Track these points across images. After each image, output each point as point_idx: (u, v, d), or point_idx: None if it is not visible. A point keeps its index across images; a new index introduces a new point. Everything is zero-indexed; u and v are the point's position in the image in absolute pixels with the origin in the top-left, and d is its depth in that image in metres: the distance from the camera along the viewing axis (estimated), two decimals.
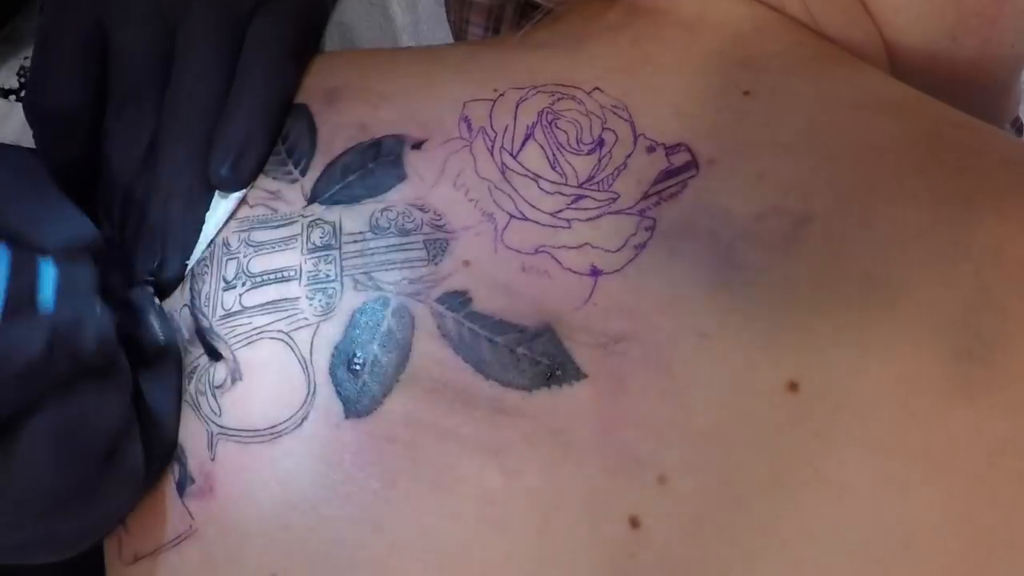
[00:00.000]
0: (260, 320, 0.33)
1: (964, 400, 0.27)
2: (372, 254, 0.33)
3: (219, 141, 0.34)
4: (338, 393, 0.32)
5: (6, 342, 0.28)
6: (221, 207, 0.35)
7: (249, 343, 0.33)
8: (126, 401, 0.32)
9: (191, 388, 0.34)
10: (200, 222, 0.35)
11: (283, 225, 0.34)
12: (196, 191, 0.34)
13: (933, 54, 0.37)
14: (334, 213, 0.34)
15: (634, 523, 0.29)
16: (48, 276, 0.30)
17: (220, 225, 0.34)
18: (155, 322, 0.34)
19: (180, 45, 0.36)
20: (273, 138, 0.35)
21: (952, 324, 0.28)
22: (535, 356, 0.31)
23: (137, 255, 0.35)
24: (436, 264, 0.32)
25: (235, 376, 0.33)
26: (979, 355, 0.27)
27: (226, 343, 0.33)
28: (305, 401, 0.32)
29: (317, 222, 0.34)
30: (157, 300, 0.34)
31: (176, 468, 0.33)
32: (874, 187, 0.30)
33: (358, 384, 0.32)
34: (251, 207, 0.35)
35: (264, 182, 0.35)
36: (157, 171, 0.35)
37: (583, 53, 0.36)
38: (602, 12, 0.37)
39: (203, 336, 0.34)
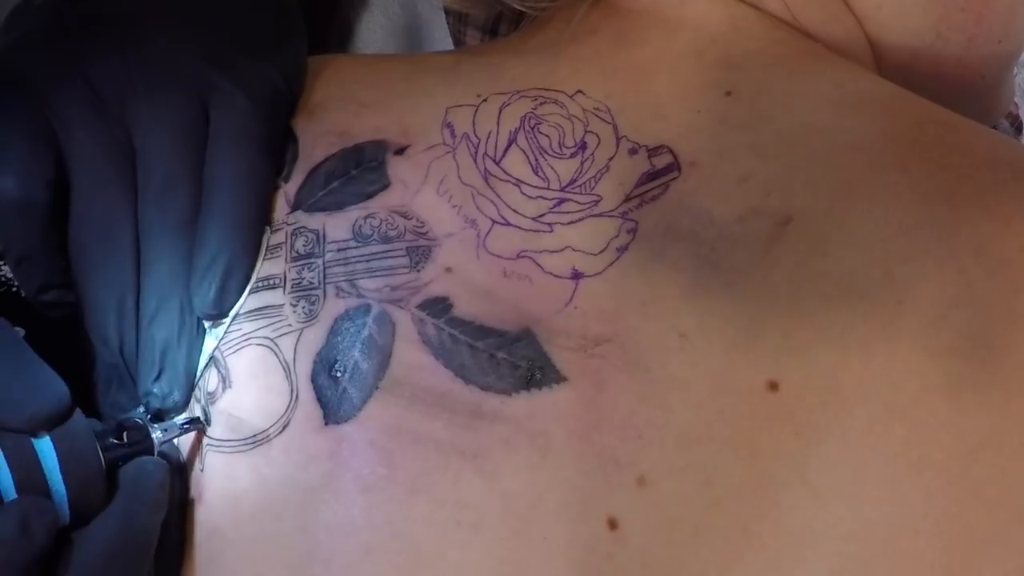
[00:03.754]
0: (248, 326, 0.33)
1: (946, 398, 0.27)
2: (355, 262, 0.33)
3: (197, 271, 0.32)
4: (319, 399, 0.31)
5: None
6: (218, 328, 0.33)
7: (238, 349, 0.33)
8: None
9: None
10: (196, 342, 0.33)
11: (269, 233, 0.34)
12: (187, 314, 0.33)
13: (917, 51, 0.36)
14: (317, 220, 0.33)
15: (612, 524, 0.28)
16: (47, 451, 0.29)
17: (218, 341, 0.33)
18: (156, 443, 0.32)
19: (139, 145, 0.33)
20: (255, 253, 0.33)
21: (935, 322, 0.27)
22: (515, 360, 0.30)
23: (139, 377, 0.33)
24: (418, 271, 0.32)
25: (226, 383, 0.33)
26: (962, 352, 0.27)
27: (218, 350, 0.33)
28: (288, 408, 0.32)
29: (301, 230, 0.33)
30: (155, 427, 0.32)
31: None
32: (856, 186, 0.29)
33: (338, 390, 0.31)
34: None
35: None
36: (144, 292, 0.33)
37: (565, 56, 0.35)
38: (584, 15, 0.36)
39: None
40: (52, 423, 0.30)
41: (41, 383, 0.30)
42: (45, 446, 0.30)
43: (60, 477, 0.29)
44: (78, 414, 0.31)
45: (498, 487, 0.29)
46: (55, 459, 0.29)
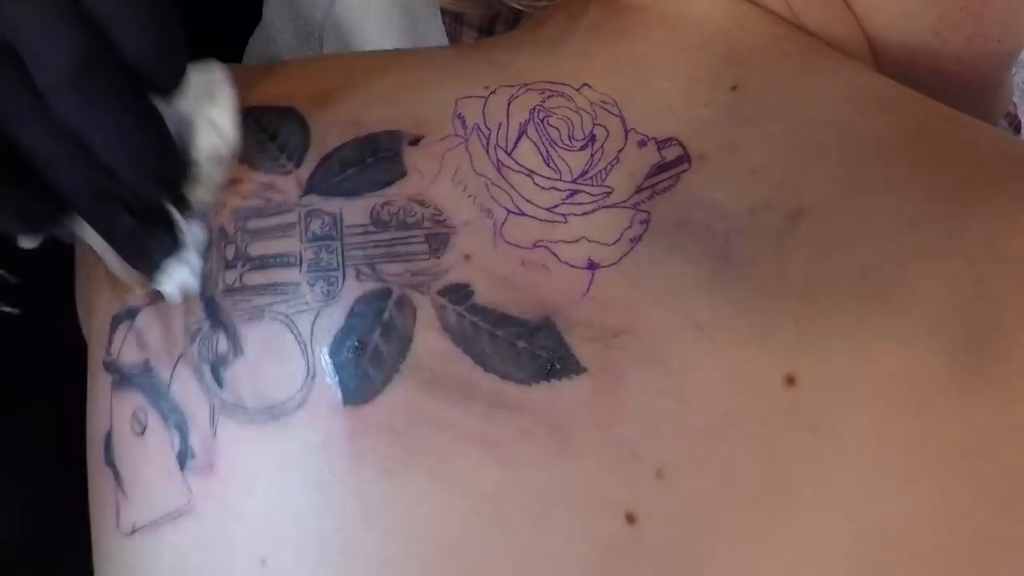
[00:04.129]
0: (261, 300, 0.33)
1: (960, 394, 0.26)
2: (375, 246, 0.33)
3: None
4: (338, 379, 0.31)
5: None
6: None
7: (250, 319, 0.33)
8: None
9: (194, 350, 0.33)
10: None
11: (278, 213, 0.34)
12: None
13: (916, 50, 0.36)
14: (334, 204, 0.33)
15: (630, 519, 0.28)
16: None
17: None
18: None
19: None
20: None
21: (947, 317, 0.27)
22: (535, 349, 0.30)
23: None
24: (438, 257, 0.32)
25: (236, 350, 0.33)
26: (975, 348, 0.27)
27: (228, 314, 0.33)
28: (303, 384, 0.32)
29: (316, 212, 0.33)
30: None
31: (176, 438, 0.33)
32: (866, 180, 0.29)
33: (358, 372, 0.31)
34: (244, 199, 0.34)
35: (256, 176, 0.34)
36: None
37: (569, 50, 0.35)
38: (583, 11, 0.37)
39: (208, 302, 0.33)
40: None
41: None
42: None
43: None
44: None
45: (516, 478, 0.29)
46: None
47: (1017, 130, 0.48)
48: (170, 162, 0.32)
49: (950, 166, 0.30)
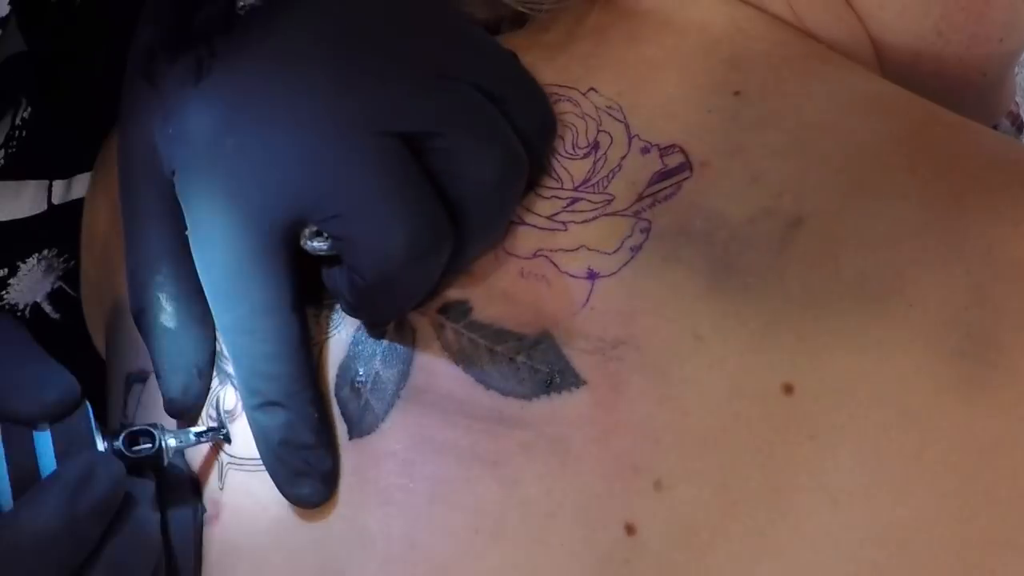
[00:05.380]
0: None
1: (959, 400, 0.26)
2: None
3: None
4: (342, 414, 0.31)
5: (26, 522, 0.27)
6: None
7: None
8: (157, 544, 0.31)
9: (203, 415, 0.33)
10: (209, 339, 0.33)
11: None
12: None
13: (919, 50, 0.35)
14: None
15: (630, 530, 0.28)
16: (45, 444, 0.29)
17: None
18: (169, 450, 0.32)
19: None
20: None
21: (946, 324, 0.27)
22: (534, 364, 0.30)
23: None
24: None
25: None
26: (973, 354, 0.26)
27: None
28: None
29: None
30: (168, 433, 0.32)
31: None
32: (865, 187, 0.29)
33: (360, 403, 0.31)
34: None
35: None
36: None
37: (575, 54, 0.35)
38: (589, 15, 0.36)
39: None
40: (57, 413, 0.30)
41: (49, 374, 0.30)
42: (44, 440, 0.29)
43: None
44: (85, 412, 0.30)
45: (517, 494, 0.29)
46: (52, 454, 0.29)
47: (1020, 129, 0.48)
48: None
49: (950, 172, 0.29)
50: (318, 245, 0.31)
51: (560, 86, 0.34)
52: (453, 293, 0.32)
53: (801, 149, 0.30)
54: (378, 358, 0.31)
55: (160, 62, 0.34)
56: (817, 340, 0.28)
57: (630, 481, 0.28)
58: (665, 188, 0.31)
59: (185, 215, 0.32)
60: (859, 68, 0.34)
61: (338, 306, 0.32)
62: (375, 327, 0.32)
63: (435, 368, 0.31)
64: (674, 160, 0.31)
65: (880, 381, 0.27)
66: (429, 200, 0.29)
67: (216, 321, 0.32)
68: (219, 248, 0.31)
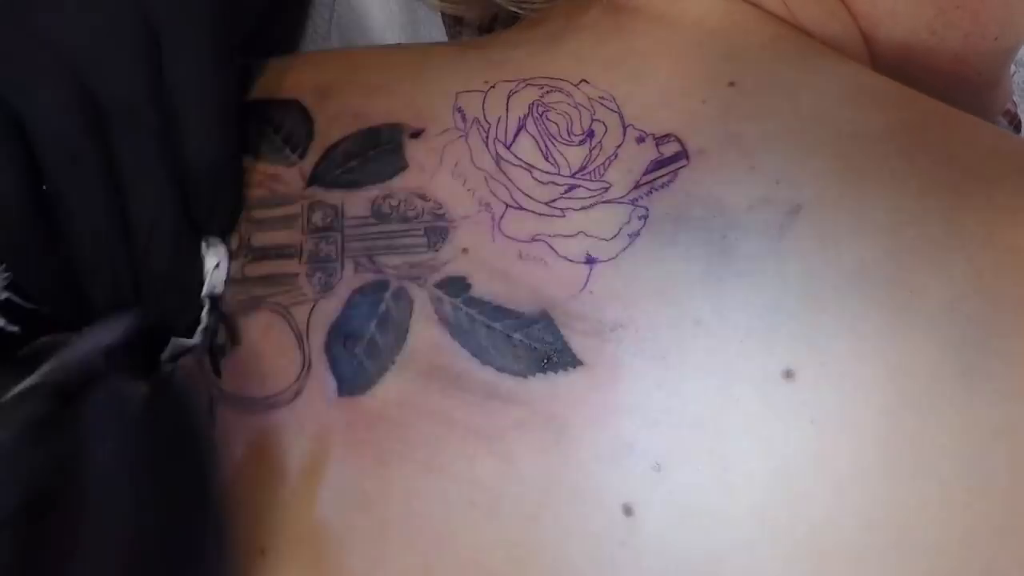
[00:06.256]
0: (259, 291, 0.33)
1: (959, 387, 0.26)
2: (374, 238, 0.33)
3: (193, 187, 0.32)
4: (333, 370, 0.31)
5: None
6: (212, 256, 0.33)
7: (249, 310, 0.33)
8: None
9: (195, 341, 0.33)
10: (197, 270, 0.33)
11: (282, 204, 0.34)
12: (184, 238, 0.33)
13: (913, 48, 0.36)
14: (336, 196, 0.33)
15: (627, 510, 0.28)
16: None
17: (224, 278, 0.33)
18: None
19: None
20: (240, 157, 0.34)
21: (946, 311, 0.27)
22: (531, 342, 0.30)
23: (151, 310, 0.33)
24: (436, 251, 0.32)
25: (235, 340, 0.33)
26: (974, 342, 0.27)
27: (228, 305, 0.33)
28: (299, 376, 0.31)
29: (318, 203, 0.33)
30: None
31: None
32: (863, 175, 0.29)
33: (353, 363, 0.31)
34: (249, 189, 0.34)
35: (262, 166, 0.35)
36: (133, 217, 0.32)
37: (566, 48, 0.35)
38: (582, 11, 0.36)
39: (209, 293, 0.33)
40: None
41: None
42: None
43: None
44: None
45: (514, 470, 0.29)
46: None
47: (1016, 128, 0.48)
48: None
49: (948, 162, 0.29)
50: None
51: (550, 78, 0.34)
52: (452, 268, 0.32)
53: (797, 138, 0.31)
54: (374, 323, 0.31)
55: None
56: (817, 326, 0.28)
57: (627, 462, 0.28)
58: (662, 176, 0.31)
59: None
60: (854, 63, 0.34)
61: (331, 268, 0.33)
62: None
63: (431, 339, 0.31)
64: (670, 149, 0.32)
65: (881, 367, 0.27)
66: None
67: None
68: None
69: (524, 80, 0.34)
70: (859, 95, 0.32)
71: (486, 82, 0.34)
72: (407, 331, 0.31)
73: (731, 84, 0.33)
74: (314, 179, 0.34)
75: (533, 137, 0.33)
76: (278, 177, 0.34)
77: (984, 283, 0.27)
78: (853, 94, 0.32)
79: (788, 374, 0.27)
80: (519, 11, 0.37)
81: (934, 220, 0.28)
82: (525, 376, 0.30)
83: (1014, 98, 0.44)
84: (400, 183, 0.33)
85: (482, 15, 0.41)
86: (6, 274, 0.37)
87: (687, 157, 0.31)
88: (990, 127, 0.33)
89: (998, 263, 0.27)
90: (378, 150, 0.34)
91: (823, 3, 0.35)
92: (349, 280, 0.32)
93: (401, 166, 0.34)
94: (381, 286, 0.32)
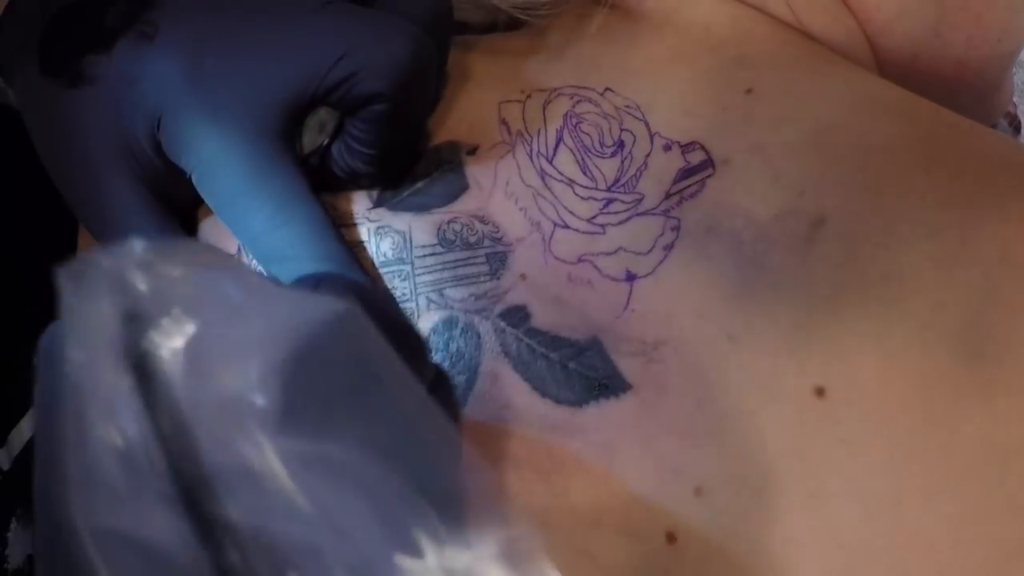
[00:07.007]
0: None
1: (981, 402, 0.26)
2: (442, 269, 0.32)
3: None
4: None
5: None
6: None
7: None
8: None
9: None
10: None
11: (345, 225, 0.33)
12: None
13: (917, 51, 0.35)
14: (403, 221, 0.33)
15: (671, 538, 0.28)
16: None
17: None
18: None
19: None
20: None
21: (967, 327, 0.27)
22: (585, 371, 0.30)
23: None
24: (497, 279, 0.32)
25: None
26: (995, 358, 0.26)
27: None
28: None
29: (386, 229, 0.33)
30: None
31: None
32: (883, 187, 0.29)
33: None
34: None
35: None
36: None
37: (584, 56, 0.35)
38: (586, 17, 0.36)
39: None
40: None
41: None
42: None
43: None
44: None
45: (566, 503, 0.29)
46: None
47: (1017, 130, 0.48)
48: None
49: (961, 174, 0.29)
50: (318, 138, 0.32)
51: (576, 87, 0.34)
52: (512, 297, 0.32)
53: (817, 148, 0.30)
54: (447, 364, 0.31)
55: (84, 61, 0.33)
56: (846, 343, 0.27)
57: (671, 487, 0.28)
58: (690, 185, 0.31)
59: (185, 157, 0.31)
60: (861, 69, 0.34)
61: (409, 309, 0.32)
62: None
63: (497, 375, 0.31)
64: (696, 157, 0.32)
65: (905, 384, 0.27)
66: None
67: (244, 236, 0.31)
68: (231, 161, 0.31)
69: (555, 89, 0.34)
70: (871, 103, 0.32)
71: (522, 91, 0.34)
72: (477, 369, 0.31)
73: (748, 91, 0.32)
74: (381, 200, 0.33)
75: (571, 150, 0.33)
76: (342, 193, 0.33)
77: (1001, 298, 0.27)
78: (865, 102, 0.32)
79: (819, 391, 0.27)
80: (526, 18, 0.36)
81: (952, 234, 0.28)
82: (580, 405, 0.30)
83: (1014, 99, 0.44)
84: (462, 205, 0.33)
85: (484, 20, 0.40)
86: None
87: (713, 166, 0.31)
88: (998, 135, 0.32)
89: (1014, 277, 0.27)
90: (441, 169, 0.34)
91: (829, 9, 0.35)
92: (425, 320, 0.32)
93: (463, 186, 0.33)
94: (451, 323, 0.32)
